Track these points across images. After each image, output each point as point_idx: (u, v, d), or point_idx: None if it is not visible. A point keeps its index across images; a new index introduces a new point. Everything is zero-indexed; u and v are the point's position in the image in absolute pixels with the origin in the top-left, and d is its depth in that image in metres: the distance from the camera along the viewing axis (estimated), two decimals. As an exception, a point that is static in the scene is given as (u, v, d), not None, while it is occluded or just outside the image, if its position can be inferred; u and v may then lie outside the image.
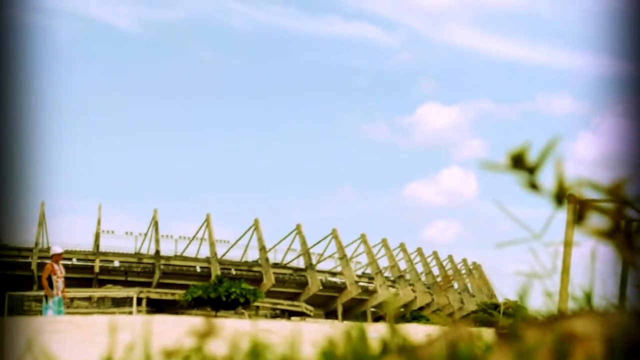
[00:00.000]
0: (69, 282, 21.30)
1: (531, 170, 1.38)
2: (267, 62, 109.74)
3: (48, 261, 20.28)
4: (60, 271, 19.75)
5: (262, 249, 70.75)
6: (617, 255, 1.43)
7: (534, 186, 1.39)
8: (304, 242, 72.88)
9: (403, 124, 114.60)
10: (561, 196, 1.38)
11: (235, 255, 72.46)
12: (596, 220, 1.41)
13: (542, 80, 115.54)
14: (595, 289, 1.51)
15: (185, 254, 71.84)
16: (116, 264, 67.85)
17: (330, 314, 69.59)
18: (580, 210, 1.39)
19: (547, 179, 1.41)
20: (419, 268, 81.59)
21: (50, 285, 19.45)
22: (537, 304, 1.52)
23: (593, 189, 1.38)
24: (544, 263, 1.54)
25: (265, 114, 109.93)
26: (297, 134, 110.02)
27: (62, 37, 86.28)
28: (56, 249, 20.64)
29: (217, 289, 45.04)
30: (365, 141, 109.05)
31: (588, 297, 1.49)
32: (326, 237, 74.39)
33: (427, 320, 52.70)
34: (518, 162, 1.37)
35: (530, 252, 1.54)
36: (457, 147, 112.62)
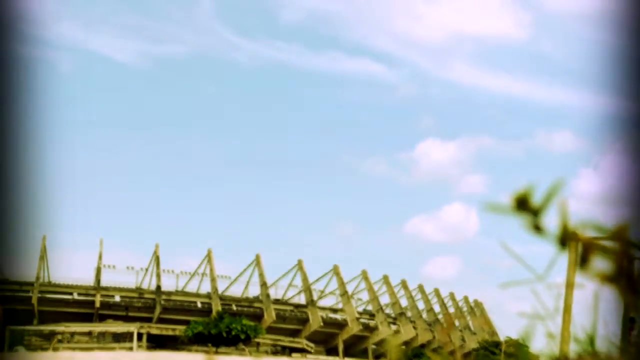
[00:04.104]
0: (70, 317, 21.33)
1: (535, 213, 1.38)
2: (269, 97, 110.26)
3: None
4: None
5: (264, 284, 70.52)
6: (620, 297, 1.42)
7: (538, 228, 1.39)
8: (305, 278, 72.65)
9: (403, 160, 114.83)
10: (565, 239, 1.37)
11: (236, 290, 72.24)
12: (599, 263, 1.41)
13: (542, 117, 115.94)
14: (598, 331, 1.50)
15: (186, 289, 71.56)
16: (117, 298, 67.53)
17: (331, 351, 69.23)
18: (583, 252, 1.38)
19: (550, 218, 1.40)
20: (420, 305, 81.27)
21: None
22: (539, 344, 1.51)
23: (597, 230, 1.37)
24: (546, 303, 1.54)
25: (267, 149, 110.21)
26: (299, 169, 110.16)
27: (64, 70, 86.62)
28: None
29: (218, 325, 44.97)
30: (366, 177, 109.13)
31: (591, 339, 1.48)
32: (327, 273, 74.26)
33: (428, 358, 52.37)
34: (522, 204, 1.37)
35: (532, 292, 1.54)
36: (458, 182, 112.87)
